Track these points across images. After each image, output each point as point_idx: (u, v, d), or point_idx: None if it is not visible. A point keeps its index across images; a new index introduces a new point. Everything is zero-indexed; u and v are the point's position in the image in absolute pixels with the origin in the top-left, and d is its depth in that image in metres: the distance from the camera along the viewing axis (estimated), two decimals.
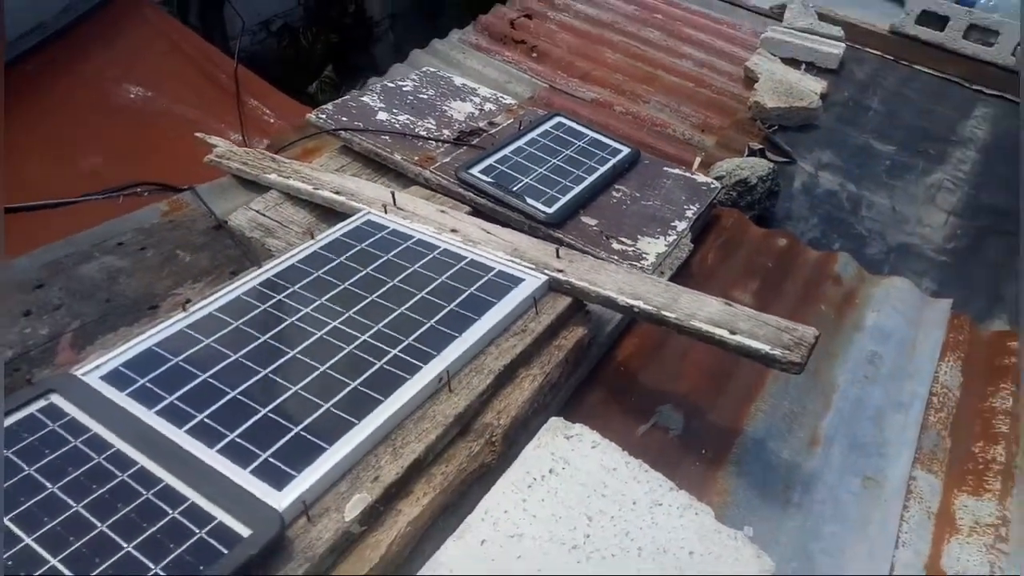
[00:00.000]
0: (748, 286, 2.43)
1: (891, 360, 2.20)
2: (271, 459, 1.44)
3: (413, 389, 1.63)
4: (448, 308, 1.89)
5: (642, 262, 2.31)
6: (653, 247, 2.39)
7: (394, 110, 2.95)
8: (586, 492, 1.47)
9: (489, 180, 2.54)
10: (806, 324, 1.79)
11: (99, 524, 1.28)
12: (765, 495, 1.76)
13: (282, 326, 1.80)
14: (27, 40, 3.65)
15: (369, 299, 1.91)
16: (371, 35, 6.71)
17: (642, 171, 2.80)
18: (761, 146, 3.52)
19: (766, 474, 1.82)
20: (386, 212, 2.27)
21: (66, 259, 2.04)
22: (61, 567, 1.21)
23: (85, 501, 1.32)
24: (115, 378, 1.60)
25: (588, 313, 2.05)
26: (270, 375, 1.65)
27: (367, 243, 2.13)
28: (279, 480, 1.39)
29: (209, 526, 1.30)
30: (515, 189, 2.51)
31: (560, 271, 2.02)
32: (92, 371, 1.61)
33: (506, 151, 2.73)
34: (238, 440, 1.47)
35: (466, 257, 2.09)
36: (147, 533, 1.27)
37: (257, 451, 1.45)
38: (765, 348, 1.74)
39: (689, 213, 2.58)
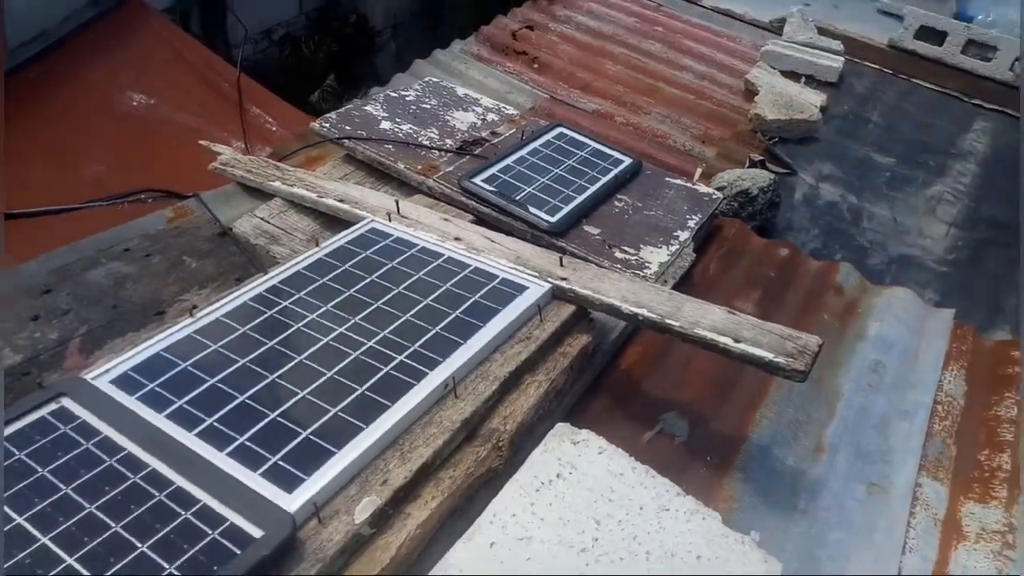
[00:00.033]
0: (750, 296, 2.45)
1: (894, 369, 2.22)
2: (281, 462, 1.45)
3: (420, 395, 1.64)
4: (453, 315, 1.90)
5: (645, 271, 2.33)
6: (656, 256, 2.41)
7: (397, 119, 2.97)
8: (593, 497, 1.48)
9: (492, 189, 2.56)
10: (809, 333, 1.80)
11: (113, 524, 1.29)
12: (771, 502, 1.77)
13: (288, 332, 1.81)
14: (30, 48, 3.67)
15: (374, 306, 1.92)
16: (372, 44, 6.75)
17: (644, 181, 2.82)
18: (762, 157, 3.55)
19: (771, 481, 1.83)
20: (390, 220, 2.29)
21: (73, 265, 2.05)
22: (78, 566, 1.22)
23: (99, 502, 1.33)
24: (124, 382, 1.61)
25: (592, 321, 2.06)
26: (278, 380, 1.66)
27: (372, 251, 2.14)
28: (289, 483, 1.40)
29: (222, 527, 1.30)
30: (518, 198, 2.54)
31: (564, 279, 2.04)
32: (101, 375, 1.62)
33: (509, 161, 2.76)
34: (248, 443, 1.48)
35: (470, 265, 2.10)
36: (161, 534, 1.28)
37: (267, 454, 1.46)
38: (769, 356, 1.75)
39: (691, 223, 2.60)
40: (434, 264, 2.09)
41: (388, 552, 1.39)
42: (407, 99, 3.14)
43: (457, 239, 2.21)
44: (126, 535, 1.28)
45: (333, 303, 1.91)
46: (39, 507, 1.32)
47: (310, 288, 1.96)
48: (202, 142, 2.80)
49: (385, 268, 2.06)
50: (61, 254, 2.07)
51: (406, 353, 1.76)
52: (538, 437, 1.63)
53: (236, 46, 5.19)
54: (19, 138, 3.37)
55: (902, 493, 1.85)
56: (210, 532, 1.30)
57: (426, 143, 2.84)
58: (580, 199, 2.59)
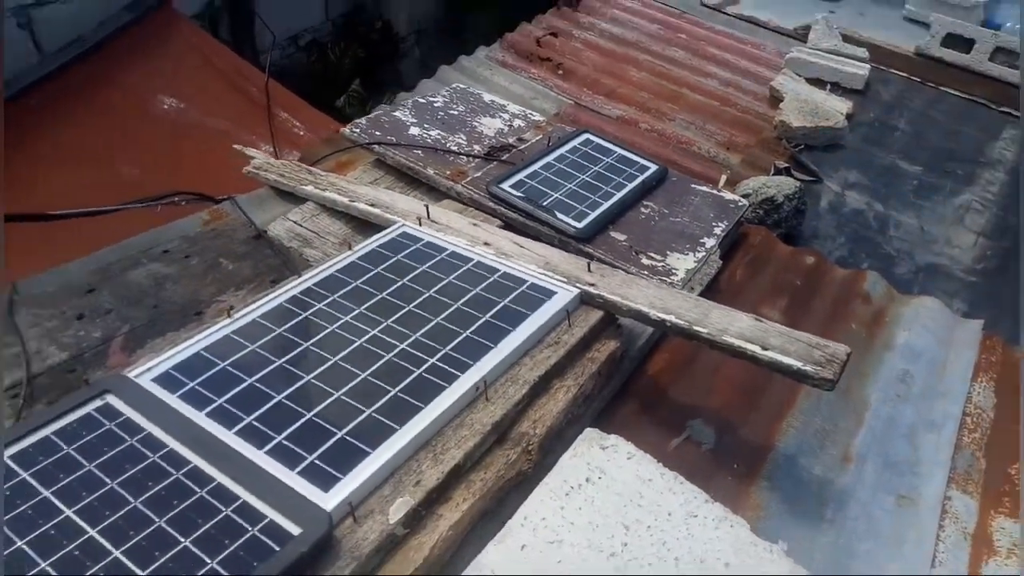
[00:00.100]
0: (777, 303, 2.45)
1: (922, 379, 2.21)
2: (317, 461, 1.48)
3: (452, 397, 1.67)
4: (483, 319, 1.93)
5: (672, 277, 2.35)
6: (682, 263, 2.42)
7: (426, 125, 3.02)
8: (622, 502, 1.50)
9: (520, 195, 2.59)
10: (836, 342, 1.81)
11: (157, 519, 1.33)
12: (798, 511, 1.78)
13: (323, 333, 1.85)
14: (68, 52, 3.74)
15: (406, 309, 1.96)
16: (397, 50, 6.81)
17: (670, 188, 2.84)
18: (787, 165, 3.55)
19: (799, 490, 1.84)
20: (420, 224, 2.33)
21: (115, 265, 2.11)
22: (124, 559, 1.26)
23: (143, 497, 1.37)
24: (166, 381, 1.65)
25: (620, 327, 2.08)
26: (313, 380, 1.70)
27: (403, 254, 2.18)
28: (326, 482, 1.44)
29: (261, 524, 1.34)
30: (545, 204, 2.56)
31: (592, 285, 2.06)
32: (144, 373, 1.66)
33: (536, 166, 2.78)
34: (285, 442, 1.52)
35: (499, 270, 2.13)
36: (202, 529, 1.32)
37: (304, 453, 1.50)
38: (797, 364, 1.76)
39: (717, 230, 2.61)
40: (464, 268, 2.12)
41: (421, 552, 1.42)
42: (435, 105, 3.18)
43: (486, 244, 2.24)
44: (170, 530, 1.32)
45: (366, 306, 1.95)
46: (87, 500, 1.37)
47: (343, 291, 2.00)
48: (236, 146, 2.86)
49: (416, 272, 2.09)
50: (103, 255, 2.13)
51: (438, 356, 1.79)
52: (567, 441, 1.65)
53: (264, 52, 5.26)
54: (57, 140, 3.45)
55: (931, 506, 1.85)
56: (250, 528, 1.34)
57: (454, 149, 2.87)
58: (607, 205, 2.62)
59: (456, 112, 3.17)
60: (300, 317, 1.90)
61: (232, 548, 1.30)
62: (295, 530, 1.33)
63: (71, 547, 1.28)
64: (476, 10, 6.65)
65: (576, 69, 4.25)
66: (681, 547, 1.41)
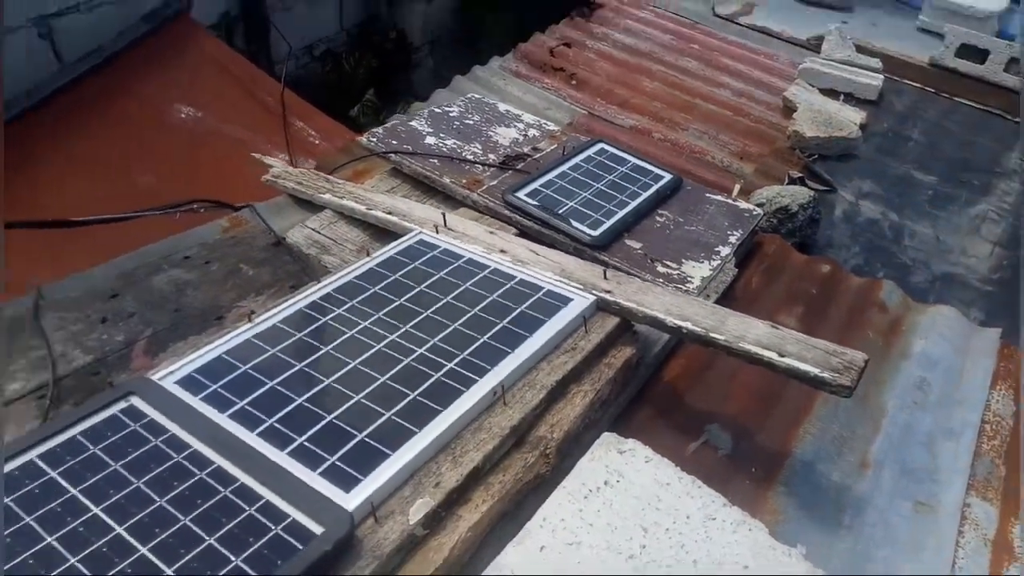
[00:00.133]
0: (792, 311, 2.46)
1: (939, 387, 2.22)
2: (338, 463, 1.50)
3: (470, 401, 1.69)
4: (500, 325, 1.95)
5: (687, 285, 2.36)
6: (698, 271, 2.44)
7: (441, 134, 3.05)
8: (640, 505, 1.51)
9: (535, 203, 2.61)
10: (853, 350, 1.82)
11: (182, 518, 1.36)
12: (815, 517, 1.78)
13: (342, 338, 1.87)
14: (87, 61, 3.80)
15: (424, 315, 1.98)
16: (411, 60, 6.87)
17: (684, 197, 2.85)
18: (801, 174, 3.56)
19: (816, 496, 1.84)
20: (437, 232, 2.35)
21: (138, 271, 2.14)
22: (151, 556, 1.28)
23: (168, 496, 1.39)
24: (189, 383, 1.68)
25: (636, 333, 2.10)
26: (333, 383, 1.72)
27: (420, 261, 2.20)
28: (347, 482, 1.46)
29: (284, 523, 1.36)
30: (560, 212, 2.58)
31: (608, 292, 2.08)
32: (167, 376, 1.69)
33: (551, 175, 2.81)
34: (306, 444, 1.54)
35: (516, 276, 2.15)
36: (227, 527, 1.34)
37: (325, 455, 1.51)
38: (815, 371, 1.77)
39: (732, 239, 2.62)
40: (481, 275, 2.14)
41: (441, 553, 1.43)
42: (451, 115, 3.22)
43: (502, 251, 2.26)
44: (195, 528, 1.35)
45: (384, 311, 1.97)
46: (114, 499, 1.39)
47: (362, 296, 2.02)
48: (254, 155, 2.90)
49: (433, 278, 2.11)
50: (126, 261, 2.16)
51: (455, 361, 1.81)
52: (584, 446, 1.67)
53: (279, 61, 5.33)
54: (76, 149, 3.50)
55: (950, 512, 1.85)
56: (273, 527, 1.36)
57: (470, 158, 2.90)
58: (622, 214, 2.63)
59: (472, 122, 3.20)
60: (320, 322, 1.92)
61: (256, 546, 1.32)
62: (318, 529, 1.35)
63: (99, 544, 1.31)
64: (490, 21, 6.70)
65: (589, 79, 4.28)
66: (699, 550, 1.42)
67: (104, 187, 3.45)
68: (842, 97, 4.40)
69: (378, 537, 1.40)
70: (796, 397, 2.07)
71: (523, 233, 2.53)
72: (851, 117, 4.08)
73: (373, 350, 1.84)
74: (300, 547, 1.32)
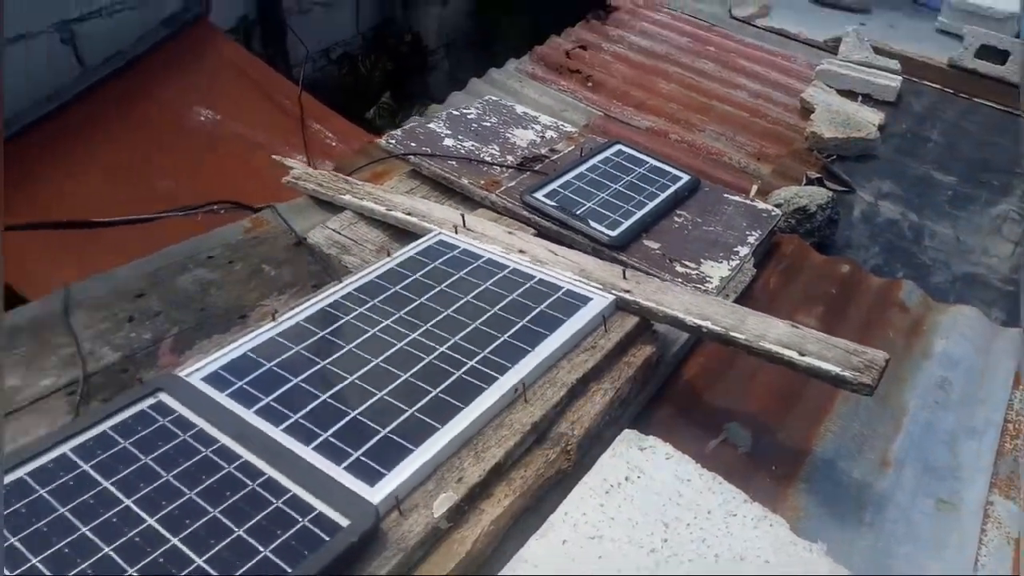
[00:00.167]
0: (812, 311, 2.46)
1: (961, 387, 2.21)
2: (363, 457, 1.52)
3: (491, 398, 1.70)
4: (520, 324, 1.96)
5: (706, 285, 2.37)
6: (716, 271, 2.44)
7: (460, 136, 3.07)
8: (661, 500, 1.52)
9: (553, 204, 2.62)
10: (874, 349, 1.82)
11: (211, 510, 1.38)
12: (836, 514, 1.78)
13: (364, 336, 1.90)
14: (109, 64, 3.86)
15: (444, 314, 2.00)
16: (426, 63, 6.91)
17: (703, 198, 2.86)
18: (819, 175, 3.55)
19: (837, 493, 1.84)
20: (456, 232, 2.37)
21: (163, 270, 2.18)
22: (182, 546, 1.31)
23: (197, 489, 1.42)
24: (215, 380, 1.71)
25: (655, 333, 2.11)
26: (356, 381, 1.74)
27: (440, 261, 2.22)
28: (371, 477, 1.48)
29: (310, 515, 1.38)
30: (579, 213, 2.60)
31: (627, 291, 2.09)
32: (194, 373, 1.72)
33: (568, 176, 2.82)
34: (331, 439, 1.56)
35: (535, 276, 2.17)
36: (255, 519, 1.37)
37: (349, 450, 1.54)
38: (835, 370, 1.77)
39: (751, 239, 2.63)
40: (500, 275, 2.16)
41: (464, 546, 1.45)
42: (469, 117, 3.24)
43: (521, 251, 2.28)
44: (224, 519, 1.37)
45: (405, 310, 1.99)
46: (144, 491, 1.42)
47: (383, 296, 2.04)
48: (275, 157, 2.93)
49: (453, 278, 2.13)
50: (151, 261, 2.20)
51: (477, 359, 1.83)
52: (605, 443, 1.68)
53: (296, 65, 5.38)
54: (97, 152, 3.56)
55: (973, 510, 1.84)
56: (300, 520, 1.38)
57: (488, 159, 2.92)
58: (640, 214, 2.65)
59: (489, 124, 3.22)
60: (342, 320, 1.95)
61: (284, 538, 1.34)
62: (344, 522, 1.37)
63: (132, 534, 1.34)
64: (505, 24, 6.73)
65: (605, 81, 4.29)
66: (721, 544, 1.43)
67: (125, 189, 3.50)
68: (860, 98, 4.39)
69: (403, 530, 1.42)
70: (816, 396, 2.08)
71: (541, 234, 2.54)
72: (869, 118, 4.07)
73: (395, 348, 1.86)
74: (327, 539, 1.34)
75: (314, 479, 1.45)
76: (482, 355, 1.85)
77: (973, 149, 4.13)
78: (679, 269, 2.43)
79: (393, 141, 2.98)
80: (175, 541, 1.32)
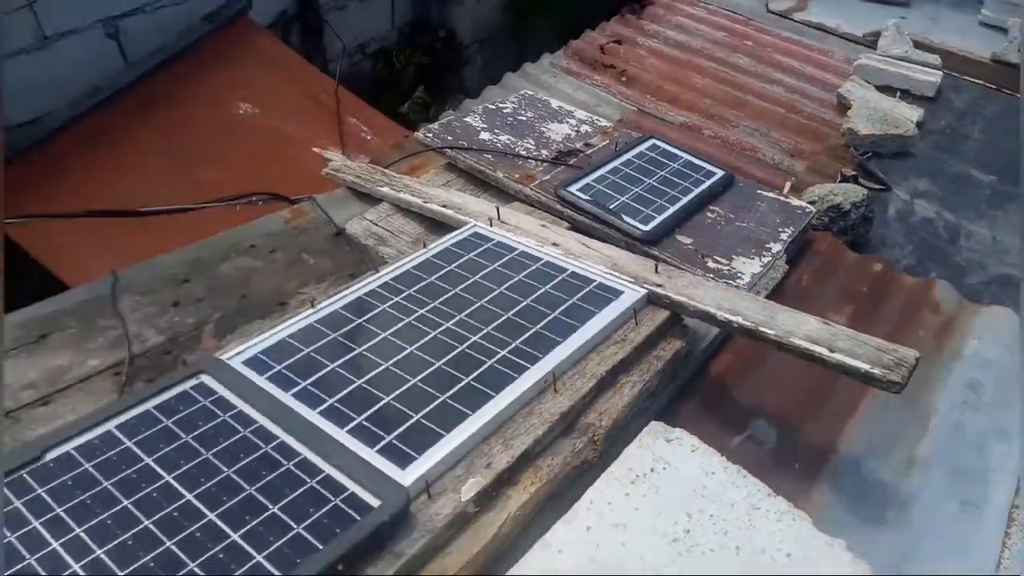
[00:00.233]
0: (843, 309, 2.45)
1: (993, 389, 2.19)
2: (395, 441, 1.57)
3: (522, 387, 1.74)
4: (552, 315, 2.00)
5: (737, 281, 2.37)
6: (748, 267, 2.45)
7: (496, 130, 3.11)
8: (686, 491, 1.55)
9: (587, 198, 2.65)
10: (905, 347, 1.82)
11: (248, 487, 1.44)
12: (860, 512, 1.79)
13: (400, 325, 1.94)
14: (152, 59, 3.96)
15: (478, 304, 2.04)
16: (460, 58, 6.95)
17: (736, 194, 2.86)
18: (854, 172, 3.52)
19: (861, 492, 1.84)
20: (491, 225, 2.41)
21: (207, 258, 2.25)
22: (218, 521, 1.37)
23: (235, 467, 1.48)
24: (255, 364, 1.77)
25: (686, 327, 2.12)
26: (391, 367, 1.79)
27: (474, 253, 2.26)
28: (403, 460, 1.52)
29: (343, 495, 1.43)
30: (612, 207, 2.62)
31: (659, 285, 2.11)
32: (235, 356, 1.78)
33: (603, 171, 2.84)
34: (365, 423, 1.61)
35: (567, 269, 2.20)
36: (289, 498, 1.42)
37: (382, 433, 1.59)
38: (865, 367, 1.77)
39: (784, 236, 2.62)
40: (533, 267, 2.19)
41: (490, 530, 1.49)
42: (504, 111, 3.27)
43: (555, 244, 2.31)
44: (260, 497, 1.43)
45: (440, 300, 2.04)
46: (184, 468, 1.48)
47: (419, 286, 2.09)
48: (315, 149, 3.00)
49: (487, 270, 2.17)
50: (196, 248, 2.28)
51: (508, 349, 1.86)
52: (631, 435, 1.71)
53: (333, 59, 5.45)
54: (142, 144, 3.66)
55: (998, 513, 1.83)
56: (333, 499, 1.43)
57: (523, 153, 2.96)
58: (673, 209, 2.66)
59: (525, 118, 3.25)
60: (378, 309, 2.00)
61: (317, 516, 1.39)
62: (375, 502, 1.42)
63: (171, 508, 1.40)
64: (539, 19, 6.74)
65: (640, 76, 4.29)
66: (743, 536, 1.45)
67: (166, 181, 3.60)
68: (898, 94, 4.32)
69: (431, 512, 1.46)
70: (844, 394, 2.07)
71: (575, 227, 2.57)
72: (907, 114, 4.01)
73: (428, 337, 1.90)
74: (358, 518, 1.39)
75: (347, 461, 1.50)
76: (514, 345, 1.88)
77: (1015, 147, 4.04)
78: (711, 265, 2.44)
79: (430, 135, 3.02)
80: (212, 516, 1.38)
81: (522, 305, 2.03)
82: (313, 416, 1.62)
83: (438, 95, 6.26)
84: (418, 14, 6.45)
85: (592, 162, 2.90)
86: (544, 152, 2.98)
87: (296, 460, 1.51)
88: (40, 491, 1.44)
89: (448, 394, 1.71)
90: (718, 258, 2.47)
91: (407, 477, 1.49)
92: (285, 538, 1.36)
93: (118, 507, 1.41)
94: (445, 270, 2.16)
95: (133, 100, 3.78)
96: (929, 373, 2.20)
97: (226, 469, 1.49)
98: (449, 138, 2.98)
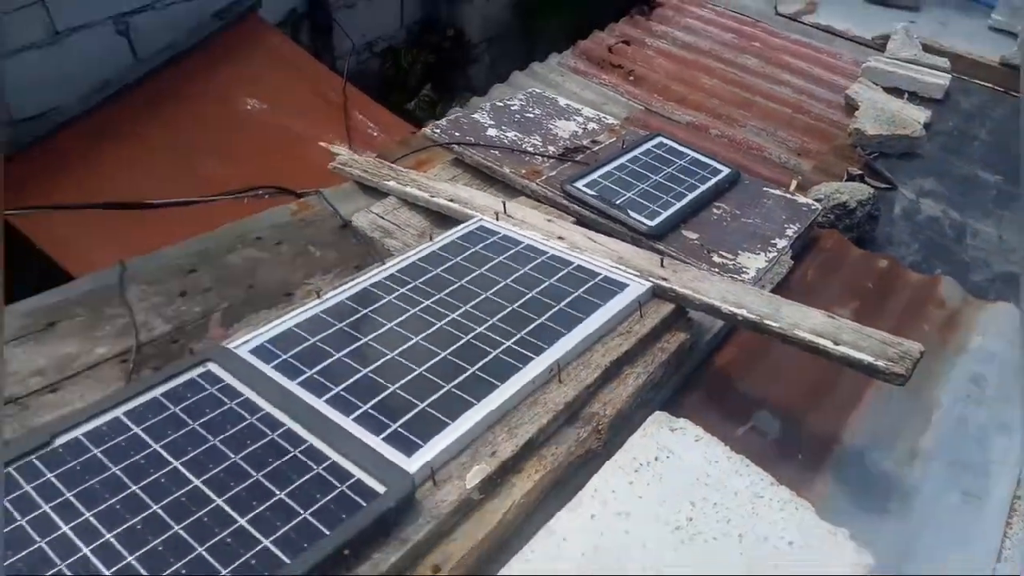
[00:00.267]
0: (848, 305, 2.45)
1: (996, 383, 2.19)
2: (400, 429, 1.58)
3: (526, 377, 1.75)
4: (557, 307, 2.00)
5: (742, 275, 2.38)
6: (753, 262, 2.45)
7: (503, 127, 3.12)
8: (689, 480, 1.55)
9: (593, 194, 2.65)
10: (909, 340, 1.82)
11: (255, 473, 1.45)
12: (862, 502, 1.79)
13: (405, 316, 1.96)
14: (162, 55, 3.99)
15: (483, 296, 2.05)
16: (468, 57, 6.97)
17: (742, 191, 2.86)
18: (861, 172, 3.52)
19: (864, 482, 1.85)
20: (497, 219, 2.42)
21: (213, 249, 2.27)
22: (225, 507, 1.38)
23: (242, 454, 1.49)
24: (261, 352, 1.78)
25: (690, 320, 2.13)
26: (396, 357, 1.80)
27: (480, 246, 2.27)
28: (408, 447, 1.53)
29: (349, 482, 1.44)
30: (618, 202, 2.62)
31: (664, 279, 2.11)
32: (241, 345, 1.80)
33: (609, 167, 2.85)
34: (371, 411, 1.62)
35: (573, 262, 2.20)
36: (296, 484, 1.43)
37: (388, 421, 1.60)
38: (869, 359, 1.78)
39: (789, 232, 2.63)
40: (539, 260, 2.20)
41: (495, 516, 1.50)
42: (512, 108, 3.28)
43: (560, 238, 2.32)
44: (266, 483, 1.44)
45: (445, 292, 2.05)
46: (192, 454, 1.49)
47: (424, 278, 2.10)
48: (322, 143, 3.02)
49: (493, 262, 2.18)
50: (203, 240, 2.30)
51: (513, 339, 1.87)
52: (635, 425, 1.71)
53: (341, 57, 5.48)
54: (149, 139, 3.69)
55: (999, 505, 1.84)
56: (339, 485, 1.44)
57: (530, 149, 2.96)
58: (679, 205, 2.66)
59: (532, 115, 3.26)
60: (384, 300, 2.01)
61: (323, 502, 1.40)
62: (380, 489, 1.43)
63: (179, 494, 1.41)
64: (548, 19, 6.76)
65: (647, 76, 4.30)
66: (745, 524, 1.45)
67: (173, 174, 3.62)
68: (906, 96, 4.32)
69: (436, 499, 1.47)
70: (848, 387, 2.08)
71: (581, 222, 2.58)
72: (915, 115, 4.01)
73: (434, 327, 1.91)
74: (364, 504, 1.40)
75: (353, 448, 1.51)
76: (519, 336, 1.89)
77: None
78: (716, 259, 2.45)
79: (438, 131, 3.04)
80: (219, 502, 1.39)
81: (527, 297, 2.04)
82: (319, 404, 1.63)
83: (445, 93, 6.28)
84: (427, 12, 6.47)
85: (599, 159, 2.91)
86: (551, 148, 2.99)
87: (302, 447, 1.52)
88: (49, 476, 1.45)
89: (453, 383, 1.72)
90: (723, 253, 2.47)
91: (412, 464, 1.49)
92: (292, 523, 1.37)
93: (126, 492, 1.42)
94: (451, 262, 2.17)
95: (142, 96, 3.81)
96: (932, 367, 2.21)
97: (233, 455, 1.50)
98: (456, 134, 2.99)
